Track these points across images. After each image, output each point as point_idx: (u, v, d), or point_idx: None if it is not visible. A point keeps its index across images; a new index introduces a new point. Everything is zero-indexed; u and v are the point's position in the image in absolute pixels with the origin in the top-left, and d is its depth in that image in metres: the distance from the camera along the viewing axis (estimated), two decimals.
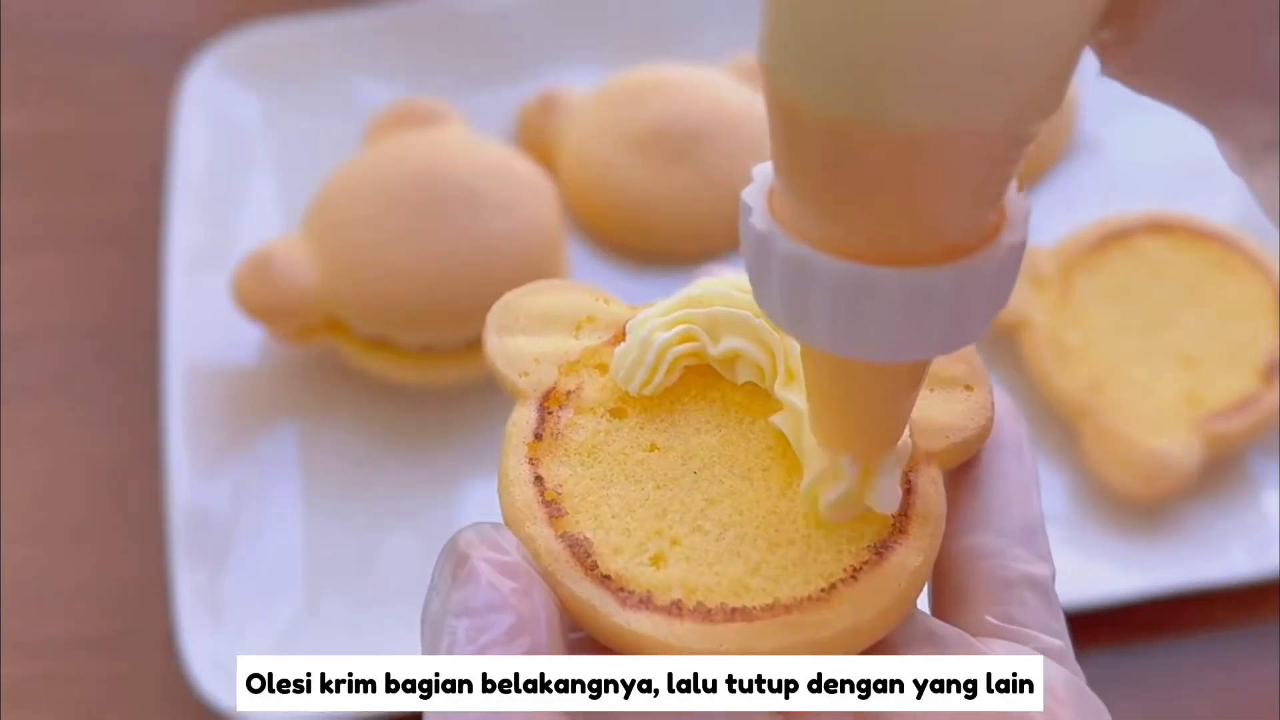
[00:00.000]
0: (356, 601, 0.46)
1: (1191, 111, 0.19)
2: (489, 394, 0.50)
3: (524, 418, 0.25)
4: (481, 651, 0.21)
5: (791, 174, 0.19)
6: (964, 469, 0.26)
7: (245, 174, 0.55)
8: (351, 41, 0.58)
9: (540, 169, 0.51)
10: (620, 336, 0.26)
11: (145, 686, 0.45)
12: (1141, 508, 0.47)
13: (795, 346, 0.24)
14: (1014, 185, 0.20)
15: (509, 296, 0.27)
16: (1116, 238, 0.51)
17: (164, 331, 0.50)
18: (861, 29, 0.16)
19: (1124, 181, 0.54)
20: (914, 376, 0.22)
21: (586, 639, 0.23)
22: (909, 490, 0.24)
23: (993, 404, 0.26)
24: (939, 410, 0.25)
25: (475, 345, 0.49)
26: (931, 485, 0.24)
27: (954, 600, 0.25)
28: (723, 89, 0.54)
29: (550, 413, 0.25)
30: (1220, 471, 0.47)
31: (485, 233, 0.48)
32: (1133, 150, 0.55)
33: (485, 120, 0.55)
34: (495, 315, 0.26)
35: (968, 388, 0.26)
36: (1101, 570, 0.45)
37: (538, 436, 0.25)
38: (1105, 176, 0.55)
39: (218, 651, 0.44)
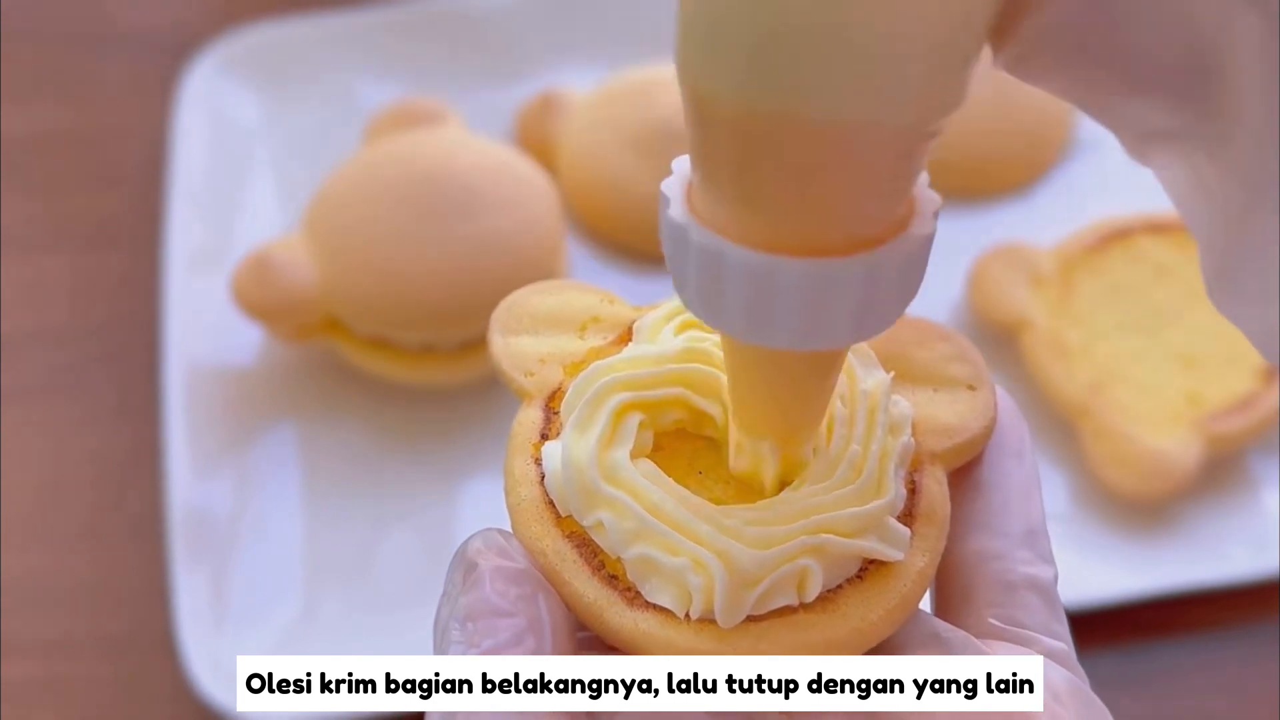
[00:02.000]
0: (356, 601, 0.46)
1: (1078, 103, 0.20)
2: (489, 394, 0.50)
3: (529, 418, 0.25)
4: (485, 655, 0.21)
5: (704, 166, 0.20)
6: (966, 470, 0.26)
7: (245, 174, 0.55)
8: (351, 41, 0.58)
9: (540, 169, 0.51)
10: (626, 337, 0.26)
11: (145, 687, 0.45)
12: (1142, 508, 0.47)
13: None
14: (924, 178, 0.20)
15: (514, 296, 0.26)
16: (1116, 238, 0.51)
17: (163, 331, 0.50)
18: (769, 21, 0.17)
19: (1124, 181, 0.54)
20: (830, 365, 0.22)
21: (594, 638, 0.23)
22: (914, 490, 0.24)
23: (996, 404, 0.25)
24: (942, 410, 0.25)
25: (475, 345, 0.49)
26: (936, 485, 0.24)
27: (957, 602, 0.24)
28: None
29: (555, 413, 0.25)
30: (1220, 471, 0.47)
31: (485, 232, 0.48)
32: None
33: (485, 120, 0.55)
34: (500, 315, 0.26)
35: (970, 388, 0.26)
36: (1101, 570, 0.45)
37: (544, 437, 0.25)
38: (1105, 176, 0.55)
39: (218, 652, 0.44)
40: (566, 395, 0.24)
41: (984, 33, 0.18)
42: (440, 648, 0.22)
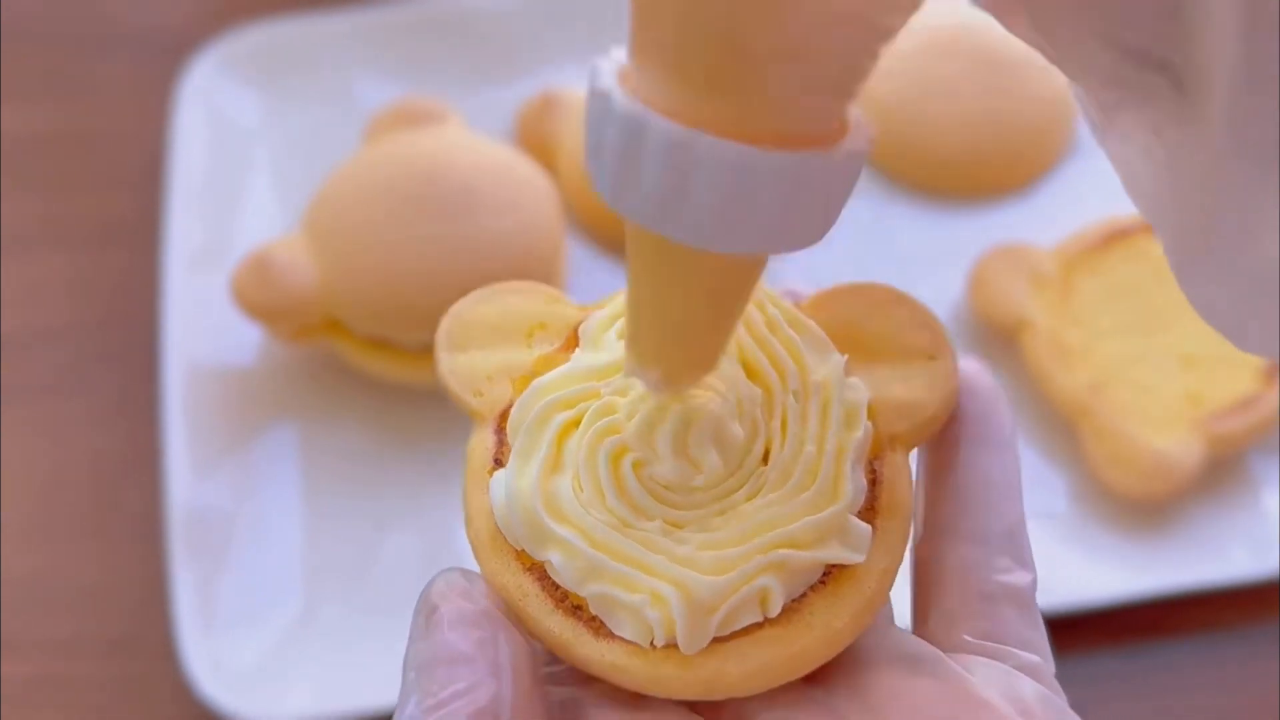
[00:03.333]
0: (356, 602, 0.46)
1: (1047, 43, 0.19)
2: None
3: (482, 442, 0.24)
4: (441, 705, 0.21)
5: (640, 30, 0.19)
6: (944, 463, 0.25)
7: (244, 173, 0.55)
8: (351, 41, 0.58)
9: (540, 169, 0.51)
10: (573, 341, 0.25)
11: (144, 687, 0.45)
12: (1142, 508, 0.47)
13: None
14: (859, 112, 0.20)
15: (456, 308, 0.26)
16: (1117, 238, 0.51)
17: (163, 331, 0.50)
18: None
19: None
20: (737, 283, 0.21)
21: (568, 669, 0.23)
22: (874, 481, 0.23)
23: (956, 371, 0.24)
24: (899, 387, 0.24)
25: None
26: (897, 474, 0.23)
27: (934, 614, 0.24)
28: None
29: (508, 434, 0.24)
30: (1221, 472, 0.47)
31: (485, 232, 0.48)
32: None
33: (485, 120, 0.55)
34: (445, 329, 0.25)
35: (930, 357, 0.24)
36: (1101, 570, 0.45)
37: (496, 462, 0.24)
38: (1105, 176, 0.54)
39: (218, 652, 0.44)
40: (510, 417, 0.24)
41: None
42: (403, 691, 0.22)
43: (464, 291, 0.47)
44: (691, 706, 0.23)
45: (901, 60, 0.55)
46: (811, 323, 0.24)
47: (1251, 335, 0.18)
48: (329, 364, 0.50)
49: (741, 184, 0.18)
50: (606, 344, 0.24)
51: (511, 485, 0.23)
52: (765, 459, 0.23)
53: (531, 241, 0.48)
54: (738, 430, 0.23)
